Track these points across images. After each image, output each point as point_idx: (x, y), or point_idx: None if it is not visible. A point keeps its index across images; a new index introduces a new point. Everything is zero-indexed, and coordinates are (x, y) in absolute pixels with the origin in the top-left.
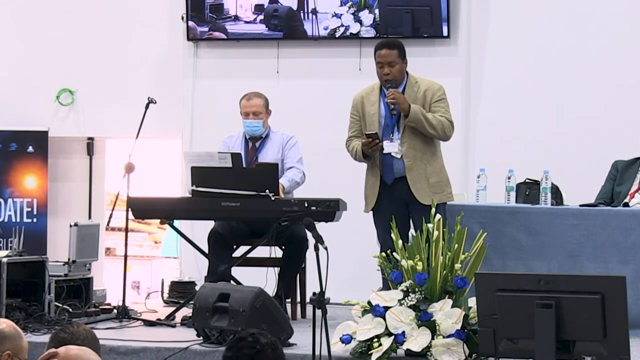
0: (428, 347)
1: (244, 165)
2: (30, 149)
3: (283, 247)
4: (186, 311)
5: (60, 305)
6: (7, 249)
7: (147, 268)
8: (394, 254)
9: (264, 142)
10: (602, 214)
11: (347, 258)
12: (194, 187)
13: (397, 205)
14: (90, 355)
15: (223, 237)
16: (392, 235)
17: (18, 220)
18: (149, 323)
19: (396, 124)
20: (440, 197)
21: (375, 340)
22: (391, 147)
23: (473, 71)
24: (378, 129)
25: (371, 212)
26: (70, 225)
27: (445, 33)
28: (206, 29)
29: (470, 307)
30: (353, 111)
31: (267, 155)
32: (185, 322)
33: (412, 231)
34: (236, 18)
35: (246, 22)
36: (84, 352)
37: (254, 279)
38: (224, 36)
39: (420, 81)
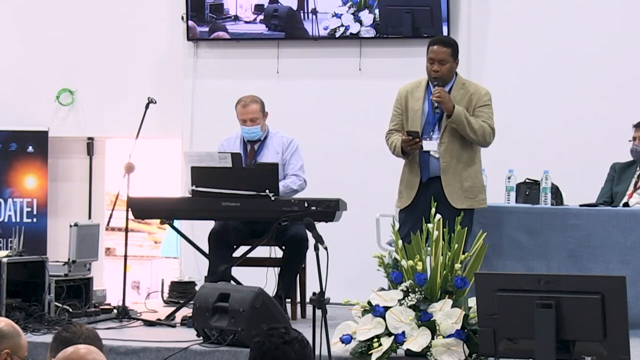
0: (428, 347)
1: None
2: (30, 149)
3: (283, 247)
4: (186, 311)
5: (60, 305)
6: (7, 249)
7: (147, 268)
8: (394, 254)
9: (263, 145)
10: (602, 214)
11: (347, 258)
12: (194, 187)
13: (428, 208)
14: (97, 355)
15: (223, 237)
16: (392, 234)
17: (18, 220)
18: (149, 323)
19: (438, 123)
20: (471, 203)
21: (375, 340)
22: (430, 145)
23: (473, 71)
24: (420, 126)
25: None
26: (70, 225)
27: (445, 33)
28: (207, 29)
29: (470, 307)
30: (397, 104)
31: (267, 158)
32: (185, 322)
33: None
34: (236, 18)
35: (246, 22)
36: (89, 352)
37: (254, 279)
38: (226, 36)
39: (468, 84)
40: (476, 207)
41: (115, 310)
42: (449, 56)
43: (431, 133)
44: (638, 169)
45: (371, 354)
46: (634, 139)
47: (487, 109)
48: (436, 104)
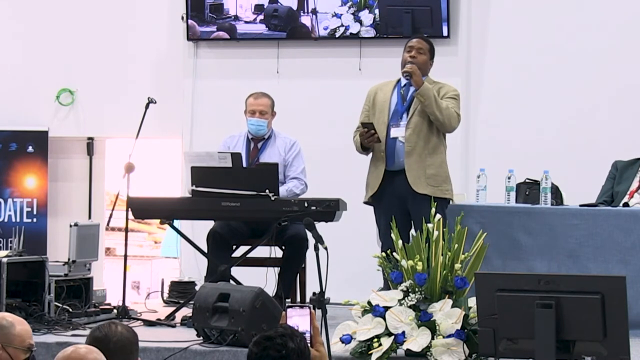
0: (428, 347)
1: (246, 166)
2: (30, 149)
3: (283, 247)
4: (186, 311)
5: (60, 305)
6: (7, 249)
7: (147, 268)
8: (394, 254)
9: (267, 144)
10: (602, 214)
11: (347, 258)
12: (194, 187)
13: (397, 202)
14: (97, 354)
15: (223, 237)
16: (392, 235)
17: (18, 220)
18: (149, 323)
19: (406, 111)
20: (434, 190)
21: (375, 340)
22: (398, 131)
23: (473, 71)
24: (386, 115)
25: (372, 211)
26: (70, 225)
27: (445, 33)
28: (208, 28)
29: (470, 307)
30: (366, 103)
31: (270, 157)
32: (185, 322)
33: (412, 231)
34: (236, 18)
35: (246, 22)
36: (90, 351)
37: (254, 279)
38: (226, 36)
39: (438, 82)
40: (439, 196)
41: (115, 310)
42: (426, 50)
43: (399, 120)
44: None
45: (371, 354)
46: None
47: (454, 101)
48: (406, 75)
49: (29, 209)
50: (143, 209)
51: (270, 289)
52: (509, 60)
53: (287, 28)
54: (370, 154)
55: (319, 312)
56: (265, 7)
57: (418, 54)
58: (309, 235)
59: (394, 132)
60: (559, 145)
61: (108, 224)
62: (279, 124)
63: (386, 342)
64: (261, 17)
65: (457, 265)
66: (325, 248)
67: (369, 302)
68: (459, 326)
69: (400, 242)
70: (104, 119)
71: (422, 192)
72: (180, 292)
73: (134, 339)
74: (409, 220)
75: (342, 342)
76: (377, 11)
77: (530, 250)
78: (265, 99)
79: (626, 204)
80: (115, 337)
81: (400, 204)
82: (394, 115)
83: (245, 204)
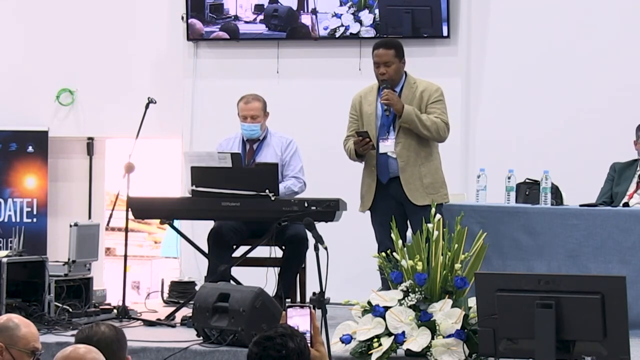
0: (428, 347)
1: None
2: (30, 149)
3: (283, 247)
4: (186, 311)
5: (60, 305)
6: (7, 249)
7: (147, 268)
8: (394, 254)
9: (262, 145)
10: (602, 214)
11: (347, 258)
12: (194, 187)
13: (393, 205)
14: (96, 354)
15: (223, 237)
16: (392, 235)
17: (18, 220)
18: (149, 323)
19: (392, 124)
20: (433, 198)
21: (375, 340)
22: (387, 146)
23: (473, 71)
24: (374, 129)
25: (369, 213)
26: (70, 225)
27: (445, 33)
28: (212, 28)
29: (470, 307)
30: (352, 111)
31: (266, 158)
32: (185, 322)
33: (409, 231)
34: (236, 18)
35: (246, 22)
36: (89, 351)
37: (254, 279)
38: (226, 36)
39: (418, 82)
40: (439, 202)
41: (115, 310)
42: (393, 57)
43: (387, 134)
44: (639, 168)
45: (371, 354)
46: None
47: (439, 105)
48: (386, 107)
49: (29, 209)
50: (143, 209)
51: (270, 289)
52: (509, 60)
53: (287, 28)
54: (363, 162)
55: (319, 312)
56: (265, 7)
57: (386, 68)
58: (309, 235)
59: (383, 147)
60: (559, 145)
61: (108, 224)
62: (279, 124)
63: (386, 342)
64: (261, 17)
65: (457, 265)
66: (325, 248)
67: (369, 302)
68: (459, 326)
69: (400, 242)
70: (104, 119)
71: (421, 204)
72: (180, 292)
73: (118, 336)
74: (406, 220)
75: (342, 342)
76: (377, 11)
77: (530, 250)
78: (256, 102)
79: (626, 204)
80: (97, 336)
81: (397, 206)
82: (381, 128)
83: (245, 204)
